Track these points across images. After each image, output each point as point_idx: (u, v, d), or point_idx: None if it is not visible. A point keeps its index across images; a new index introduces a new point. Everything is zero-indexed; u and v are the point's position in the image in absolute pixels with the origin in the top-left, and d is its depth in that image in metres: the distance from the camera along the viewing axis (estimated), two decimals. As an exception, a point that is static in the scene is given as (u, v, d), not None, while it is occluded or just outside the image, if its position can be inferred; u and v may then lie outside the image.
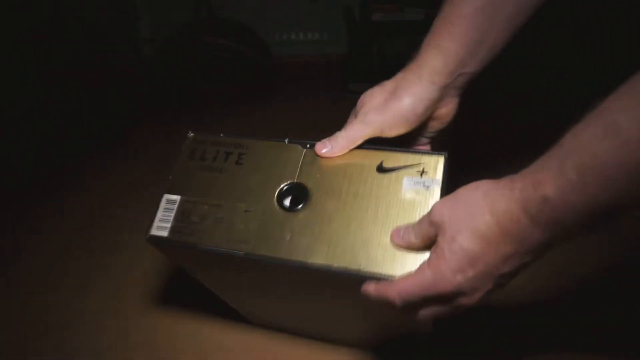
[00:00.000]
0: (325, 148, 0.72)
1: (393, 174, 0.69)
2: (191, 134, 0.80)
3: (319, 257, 0.66)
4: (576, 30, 1.98)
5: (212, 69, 2.21)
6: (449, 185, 0.67)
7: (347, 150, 0.72)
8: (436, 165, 0.69)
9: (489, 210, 0.57)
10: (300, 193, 0.71)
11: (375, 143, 0.73)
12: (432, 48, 0.71)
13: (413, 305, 0.63)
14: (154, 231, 0.73)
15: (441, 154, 0.70)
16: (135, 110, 2.24)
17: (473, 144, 1.73)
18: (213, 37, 2.15)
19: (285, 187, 0.72)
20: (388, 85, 0.73)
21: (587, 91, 2.10)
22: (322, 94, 2.03)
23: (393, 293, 0.61)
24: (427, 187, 0.67)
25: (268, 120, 1.96)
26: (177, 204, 0.74)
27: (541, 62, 2.19)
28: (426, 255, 0.63)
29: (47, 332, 1.12)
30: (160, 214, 0.74)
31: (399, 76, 0.73)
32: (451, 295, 0.60)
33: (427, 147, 0.83)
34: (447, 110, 0.77)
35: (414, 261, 0.64)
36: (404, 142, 0.78)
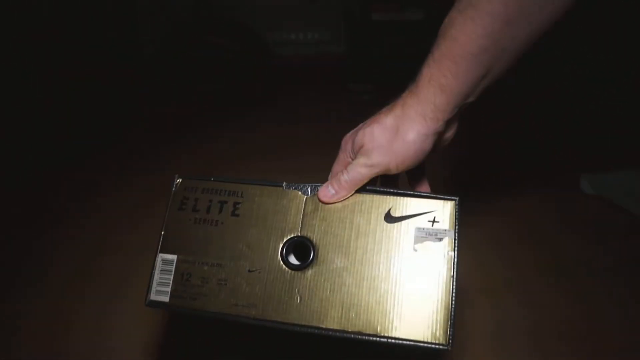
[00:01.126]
0: (329, 193, 0.69)
1: (402, 224, 0.66)
2: (178, 180, 0.74)
3: (333, 322, 0.63)
4: (588, 26, 1.96)
5: (212, 69, 2.19)
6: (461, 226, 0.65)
7: (351, 194, 0.69)
8: (447, 211, 0.66)
9: None
10: (305, 248, 0.67)
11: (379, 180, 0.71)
12: (433, 85, 0.66)
13: None
14: (154, 296, 0.69)
15: (452, 199, 0.66)
16: (136, 110, 2.22)
17: (493, 143, 1.72)
18: (213, 37, 2.13)
19: (288, 242, 0.68)
20: (388, 122, 0.68)
21: (599, 87, 2.09)
22: (322, 94, 2.00)
23: None
24: (440, 239, 0.65)
25: (268, 120, 1.94)
26: (174, 264, 0.70)
27: (557, 59, 2.17)
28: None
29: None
30: (157, 276, 0.70)
31: (398, 111, 0.68)
32: None
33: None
34: (450, 133, 0.74)
35: (430, 322, 0.62)
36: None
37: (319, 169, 0.78)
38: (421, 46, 0.73)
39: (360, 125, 0.72)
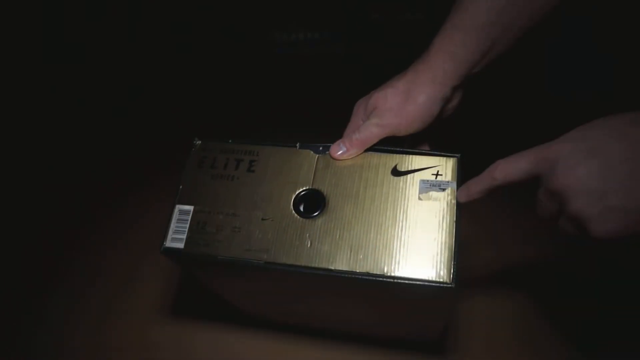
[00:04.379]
0: (341, 150, 0.72)
1: (408, 177, 0.70)
2: (198, 142, 0.78)
3: (342, 264, 0.66)
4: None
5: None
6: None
7: (361, 152, 0.73)
8: (450, 166, 0.70)
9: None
10: (316, 199, 0.71)
11: (384, 144, 0.74)
12: (444, 53, 0.71)
13: (513, 183, 0.63)
14: (169, 243, 0.71)
15: (454, 156, 0.71)
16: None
17: (492, 143, 1.72)
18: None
19: (301, 194, 0.71)
20: (400, 86, 0.73)
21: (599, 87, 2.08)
22: (322, 94, 1.99)
23: (493, 174, 0.64)
24: (443, 189, 0.68)
25: (268, 120, 1.94)
26: (190, 214, 0.72)
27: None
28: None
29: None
30: (173, 225, 0.72)
31: (410, 77, 0.73)
32: (564, 186, 0.57)
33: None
34: (455, 103, 0.79)
35: (434, 262, 0.65)
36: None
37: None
38: (420, 47, 0.76)
39: (373, 90, 0.77)
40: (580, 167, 0.55)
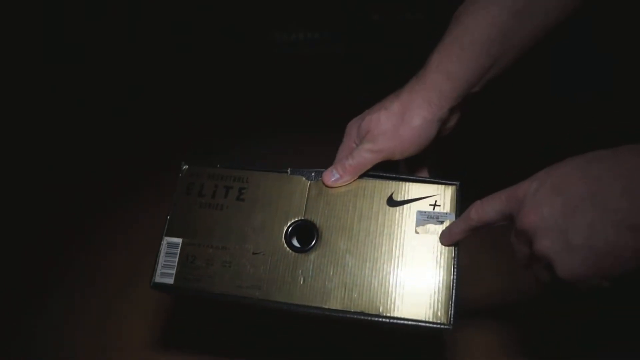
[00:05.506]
0: (334, 177, 0.70)
1: (405, 207, 0.67)
2: (185, 166, 0.75)
3: (336, 302, 0.64)
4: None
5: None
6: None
7: (355, 178, 0.70)
8: (449, 195, 0.68)
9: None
10: (309, 231, 0.68)
11: (380, 169, 0.71)
12: (441, 73, 0.67)
13: (488, 224, 0.61)
14: (158, 278, 0.70)
15: (453, 184, 0.68)
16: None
17: (493, 144, 1.72)
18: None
19: (292, 226, 0.69)
20: (394, 108, 0.69)
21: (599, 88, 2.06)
22: (322, 94, 1.98)
23: (469, 214, 0.62)
24: (441, 222, 0.66)
25: (268, 120, 1.94)
26: (179, 247, 0.70)
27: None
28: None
29: None
30: (162, 259, 0.70)
31: (404, 97, 0.69)
32: (528, 224, 0.55)
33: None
34: (453, 123, 0.75)
35: (432, 301, 0.63)
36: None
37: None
38: (420, 47, 0.74)
39: (366, 111, 0.73)
40: (544, 205, 0.54)
